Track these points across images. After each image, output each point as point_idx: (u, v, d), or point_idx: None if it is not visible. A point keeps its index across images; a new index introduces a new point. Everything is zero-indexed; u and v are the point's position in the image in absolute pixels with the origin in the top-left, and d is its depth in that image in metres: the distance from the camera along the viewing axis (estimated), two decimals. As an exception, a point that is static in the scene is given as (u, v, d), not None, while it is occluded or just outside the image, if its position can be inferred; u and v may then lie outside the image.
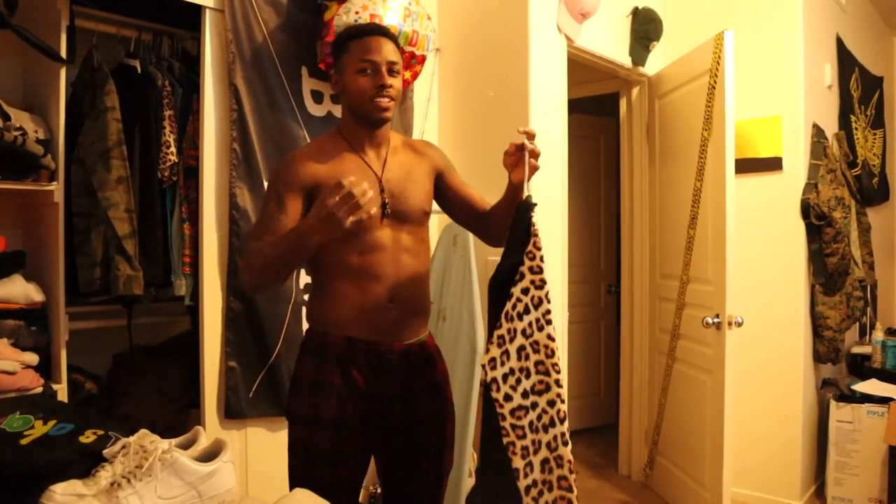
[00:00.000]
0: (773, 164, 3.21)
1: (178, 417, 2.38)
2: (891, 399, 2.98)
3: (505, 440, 1.38)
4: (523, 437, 1.40)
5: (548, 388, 1.42)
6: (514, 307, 1.42)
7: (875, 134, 4.12)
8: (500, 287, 1.48)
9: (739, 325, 2.69)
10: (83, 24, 2.14)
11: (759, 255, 3.22)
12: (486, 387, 1.42)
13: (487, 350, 1.40)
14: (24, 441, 1.13)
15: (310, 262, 1.64)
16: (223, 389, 2.20)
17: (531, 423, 1.42)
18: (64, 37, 2.01)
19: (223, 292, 2.21)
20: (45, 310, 2.08)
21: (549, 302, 1.44)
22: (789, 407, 3.17)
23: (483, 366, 1.40)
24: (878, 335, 3.53)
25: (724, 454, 2.67)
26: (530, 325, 1.42)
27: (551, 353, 1.42)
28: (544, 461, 1.43)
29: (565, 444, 1.41)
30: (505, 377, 1.39)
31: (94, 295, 2.16)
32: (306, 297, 2.36)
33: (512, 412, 1.39)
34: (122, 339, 2.45)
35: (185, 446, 1.18)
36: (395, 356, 1.62)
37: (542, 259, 1.45)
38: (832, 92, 3.55)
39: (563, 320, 2.81)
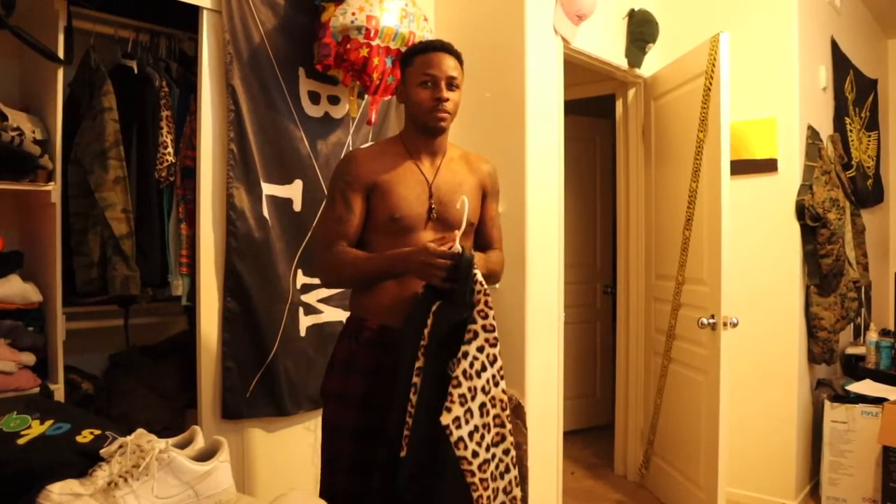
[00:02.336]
0: (768, 166, 3.23)
1: (175, 417, 2.39)
2: (885, 400, 2.99)
3: (475, 494, 1.45)
4: (487, 487, 1.49)
5: (503, 439, 1.52)
6: (471, 366, 1.47)
7: (869, 136, 4.14)
8: (440, 340, 1.51)
9: (734, 325, 2.71)
10: (80, 24, 2.14)
11: (754, 256, 3.24)
12: (449, 445, 1.45)
13: (449, 410, 1.43)
14: (21, 441, 1.13)
15: None
16: (220, 389, 2.20)
17: (492, 473, 1.51)
18: (61, 37, 2.01)
19: (220, 292, 2.21)
20: (42, 310, 2.08)
21: (500, 359, 1.52)
22: (784, 407, 3.18)
23: (447, 425, 1.43)
24: (872, 336, 3.55)
25: (719, 454, 2.68)
26: (488, 381, 1.49)
27: (505, 406, 1.53)
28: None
29: (517, 485, 1.55)
30: (471, 434, 1.45)
31: (91, 295, 2.17)
32: (303, 297, 2.37)
33: (479, 467, 1.46)
34: (119, 340, 2.46)
35: (182, 446, 1.19)
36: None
37: (493, 317, 1.50)
38: (827, 94, 3.56)
39: (559, 321, 2.82)
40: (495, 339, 1.50)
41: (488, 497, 1.50)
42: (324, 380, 1.82)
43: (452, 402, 1.45)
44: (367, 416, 1.68)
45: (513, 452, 1.55)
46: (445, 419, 1.44)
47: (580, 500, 3.34)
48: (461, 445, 1.44)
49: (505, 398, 1.53)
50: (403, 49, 2.28)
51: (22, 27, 1.91)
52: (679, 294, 3.10)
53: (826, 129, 3.51)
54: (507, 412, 1.53)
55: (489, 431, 1.51)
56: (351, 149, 2.46)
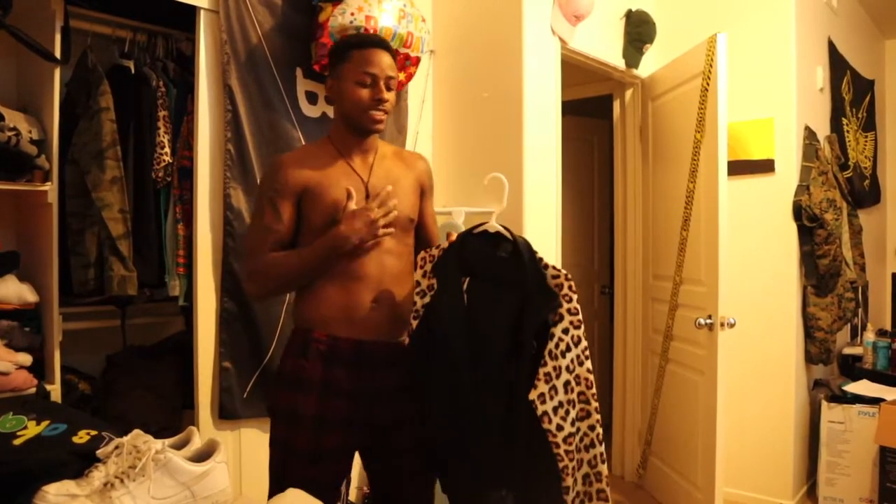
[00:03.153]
0: (766, 166, 3.23)
1: (171, 418, 2.38)
2: (882, 400, 3.00)
3: (561, 464, 1.53)
4: (573, 459, 1.56)
5: (588, 415, 1.59)
6: (556, 346, 1.55)
7: (866, 136, 4.15)
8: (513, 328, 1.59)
9: (732, 325, 2.71)
10: (78, 24, 2.14)
11: (751, 257, 3.24)
12: (533, 419, 1.54)
13: (535, 387, 1.53)
14: (17, 441, 1.13)
15: None
16: (217, 390, 2.20)
17: (577, 446, 1.59)
18: (58, 37, 2.01)
19: (217, 293, 2.21)
20: (38, 310, 2.08)
21: (585, 339, 1.58)
22: (781, 407, 3.19)
23: (532, 400, 1.53)
24: (870, 336, 3.56)
25: (717, 454, 2.68)
26: (572, 361, 1.56)
27: (591, 385, 1.59)
28: (585, 476, 1.60)
29: (603, 461, 1.60)
30: (555, 410, 1.54)
31: (88, 295, 2.16)
32: (300, 297, 2.36)
33: (565, 439, 1.54)
34: (116, 340, 2.45)
35: (179, 447, 1.19)
36: (377, 355, 1.64)
37: (577, 301, 1.58)
38: (824, 95, 3.57)
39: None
40: (579, 321, 1.56)
41: (573, 467, 1.56)
42: (270, 396, 1.71)
43: (538, 379, 1.54)
44: (321, 436, 1.59)
45: (598, 429, 1.59)
46: (532, 395, 1.53)
47: (578, 501, 3.34)
48: (545, 420, 1.52)
49: (591, 377, 1.58)
50: (402, 51, 2.28)
51: (19, 27, 1.91)
52: (676, 294, 3.11)
53: (823, 130, 3.52)
54: (593, 390, 1.58)
55: (574, 407, 1.56)
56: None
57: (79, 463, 1.10)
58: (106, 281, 2.10)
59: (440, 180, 2.95)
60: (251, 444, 2.29)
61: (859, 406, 3.08)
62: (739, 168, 3.24)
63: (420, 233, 1.83)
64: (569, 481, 1.55)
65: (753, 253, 3.24)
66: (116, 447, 1.11)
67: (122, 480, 1.06)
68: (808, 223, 3.15)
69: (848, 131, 3.81)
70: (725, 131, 2.73)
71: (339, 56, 1.66)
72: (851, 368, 3.62)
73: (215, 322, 2.20)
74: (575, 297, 1.58)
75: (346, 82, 1.63)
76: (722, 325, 2.69)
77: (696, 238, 2.95)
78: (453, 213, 2.61)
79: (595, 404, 1.58)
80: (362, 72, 1.61)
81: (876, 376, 3.37)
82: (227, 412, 2.21)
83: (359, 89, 1.61)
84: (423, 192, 1.81)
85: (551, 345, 1.55)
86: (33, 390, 1.94)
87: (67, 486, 1.05)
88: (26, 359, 1.97)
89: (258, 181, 2.25)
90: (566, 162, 3.00)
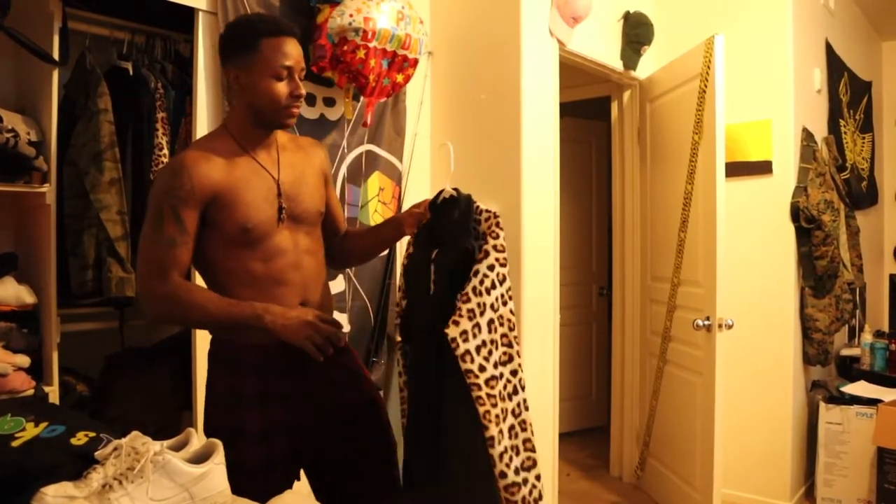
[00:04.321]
0: (763, 168, 3.24)
1: (170, 419, 2.38)
2: (879, 401, 3.00)
3: (481, 409, 1.46)
4: (495, 405, 1.49)
5: (511, 359, 1.52)
6: (481, 282, 1.50)
7: (864, 138, 4.16)
8: (450, 271, 1.57)
9: (730, 327, 2.71)
10: (76, 26, 2.14)
11: (749, 258, 3.25)
12: (454, 360, 1.48)
13: (457, 323, 1.46)
14: (15, 443, 1.13)
15: (203, 272, 1.57)
16: (215, 391, 2.20)
17: (499, 392, 1.51)
18: (56, 39, 2.01)
19: (215, 294, 2.20)
20: (36, 312, 2.07)
21: (508, 280, 1.54)
22: (779, 408, 3.19)
23: (454, 338, 1.45)
24: (867, 337, 3.56)
25: (715, 455, 2.69)
26: (497, 299, 1.51)
27: (513, 327, 1.53)
28: (511, 427, 1.52)
29: (526, 409, 1.53)
30: (478, 349, 1.47)
31: (87, 297, 2.16)
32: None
33: (486, 382, 1.48)
34: (115, 341, 2.45)
35: (177, 448, 1.19)
36: (309, 356, 1.51)
37: (504, 238, 1.54)
38: (821, 96, 3.58)
39: (554, 323, 2.82)
40: (505, 259, 1.52)
41: (496, 415, 1.48)
42: (206, 417, 1.57)
43: (461, 315, 1.47)
44: (268, 448, 1.51)
45: (521, 374, 1.53)
46: (452, 332, 1.46)
47: (576, 502, 3.34)
48: (467, 358, 1.46)
49: (513, 318, 1.53)
50: (399, 52, 2.28)
51: (17, 28, 1.91)
52: (674, 296, 3.11)
53: (821, 132, 3.53)
54: (515, 333, 1.53)
55: (497, 348, 1.51)
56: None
57: (77, 464, 1.10)
58: (104, 282, 2.10)
59: (438, 181, 2.95)
60: (249, 446, 2.28)
61: (857, 407, 3.08)
62: (737, 169, 3.25)
63: (329, 222, 1.76)
64: (492, 430, 1.47)
65: (751, 254, 3.25)
66: (115, 449, 1.11)
67: (120, 482, 1.06)
68: (805, 224, 3.15)
69: (845, 133, 3.82)
70: (723, 133, 2.74)
71: (245, 45, 1.48)
72: (849, 369, 3.62)
73: (213, 323, 2.20)
74: (502, 233, 1.53)
75: (258, 75, 1.47)
76: (720, 326, 2.69)
77: (694, 239, 2.95)
78: (451, 214, 2.61)
79: (517, 348, 1.52)
80: (278, 64, 1.46)
81: (873, 377, 3.38)
82: (225, 414, 2.20)
83: (275, 83, 1.47)
84: (326, 181, 1.72)
85: (475, 281, 1.49)
86: (31, 392, 1.93)
87: (66, 487, 1.04)
88: (24, 360, 1.96)
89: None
90: (564, 163, 3.01)
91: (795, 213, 3.17)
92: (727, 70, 2.77)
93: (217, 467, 1.16)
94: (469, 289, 1.49)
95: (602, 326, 4.51)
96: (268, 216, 1.52)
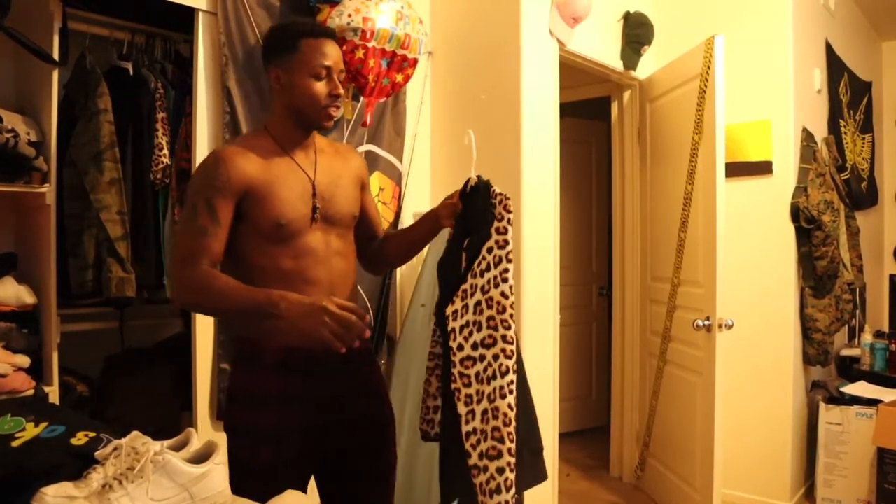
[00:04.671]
0: (763, 168, 3.24)
1: (170, 419, 2.38)
2: (879, 401, 3.00)
3: (452, 386, 1.47)
4: (468, 385, 1.49)
5: (494, 343, 1.49)
6: (478, 265, 1.51)
7: (864, 138, 4.16)
8: (466, 261, 1.57)
9: (730, 327, 2.71)
10: (76, 26, 2.14)
11: (749, 258, 3.25)
12: (445, 336, 1.50)
13: (453, 302, 1.48)
14: (15, 443, 1.13)
15: (234, 267, 1.56)
16: (215, 391, 2.20)
17: (477, 373, 1.50)
18: (56, 39, 2.01)
19: (215, 294, 2.20)
20: (36, 312, 2.08)
21: (509, 262, 1.51)
22: (779, 409, 3.19)
23: (447, 316, 1.47)
24: (867, 338, 3.56)
25: (715, 456, 2.69)
26: (489, 282, 1.50)
27: (503, 310, 1.49)
28: (484, 412, 1.49)
29: (503, 397, 1.47)
30: (461, 328, 1.48)
31: (87, 297, 2.16)
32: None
33: (461, 361, 1.48)
34: (114, 342, 2.45)
35: (177, 448, 1.19)
36: (332, 359, 1.53)
37: (509, 221, 1.53)
38: (821, 96, 3.58)
39: (554, 323, 2.82)
40: (505, 241, 1.50)
41: (468, 395, 1.47)
42: (225, 413, 1.61)
43: (457, 295, 1.49)
44: (281, 448, 1.53)
45: (504, 361, 1.48)
46: (448, 310, 1.48)
47: (575, 502, 3.34)
48: (451, 336, 1.47)
49: (505, 302, 1.49)
50: (399, 52, 2.29)
51: (17, 28, 1.91)
52: (674, 296, 3.11)
53: (821, 132, 3.53)
54: (504, 316, 1.48)
55: (480, 330, 1.49)
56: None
57: (77, 464, 1.10)
58: (104, 282, 2.10)
59: (438, 182, 2.95)
60: (249, 446, 2.29)
61: (857, 407, 3.08)
62: (737, 170, 3.25)
63: (366, 226, 1.78)
64: (461, 408, 1.47)
65: (751, 254, 3.25)
66: (115, 449, 1.11)
67: (120, 482, 1.06)
68: (805, 225, 3.15)
69: (845, 133, 3.82)
70: (723, 133, 2.74)
71: (285, 45, 1.52)
72: (849, 370, 3.62)
73: (213, 324, 2.20)
74: (508, 216, 1.53)
75: (299, 75, 1.51)
76: (720, 326, 2.69)
77: (694, 240, 2.95)
78: (451, 214, 2.61)
79: (503, 332, 1.48)
80: (317, 64, 1.51)
81: (873, 378, 3.38)
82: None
83: (314, 83, 1.51)
84: (363, 186, 1.75)
85: (475, 263, 1.51)
86: (31, 392, 1.93)
87: (66, 487, 1.05)
88: (24, 360, 1.96)
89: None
90: (564, 163, 3.01)
91: (795, 214, 3.17)
92: (727, 70, 2.77)
93: (217, 467, 1.16)
94: (470, 269, 1.51)
95: (602, 326, 4.51)
96: (301, 214, 1.54)
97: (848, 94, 3.87)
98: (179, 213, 2.26)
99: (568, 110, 3.46)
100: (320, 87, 1.52)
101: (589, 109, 4.17)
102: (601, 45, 3.16)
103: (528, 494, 2.61)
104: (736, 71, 3.15)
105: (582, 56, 3.04)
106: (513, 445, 1.47)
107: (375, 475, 1.68)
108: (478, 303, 1.50)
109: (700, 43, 2.84)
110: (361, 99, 2.46)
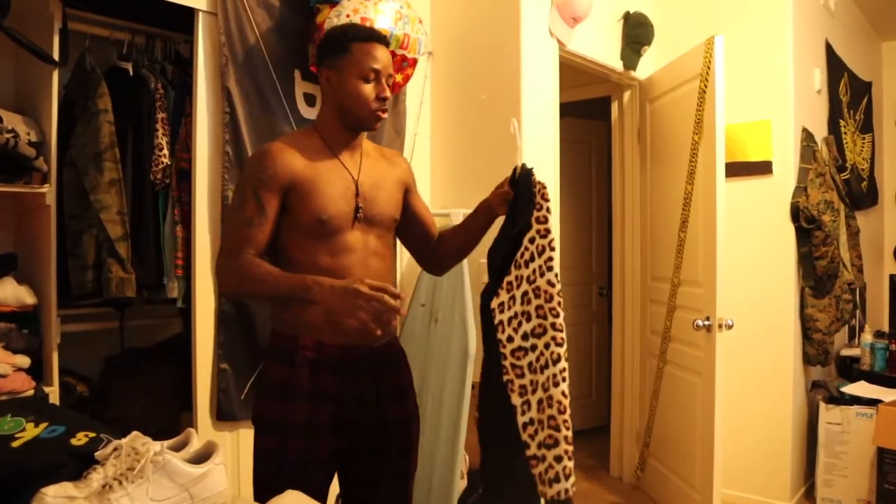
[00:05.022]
0: (763, 168, 3.24)
1: (170, 419, 2.38)
2: (879, 401, 3.00)
3: (505, 378, 1.47)
4: (521, 376, 1.50)
5: (545, 331, 1.49)
6: (521, 255, 1.52)
7: (864, 138, 4.16)
8: (510, 250, 1.58)
9: (730, 327, 2.71)
10: (76, 26, 2.14)
11: (749, 258, 3.25)
12: (491, 331, 1.50)
13: (498, 294, 1.49)
14: (15, 443, 1.13)
15: (276, 259, 1.60)
16: (215, 391, 2.20)
17: (530, 363, 1.51)
18: (56, 39, 2.01)
19: (215, 295, 2.21)
20: (36, 312, 2.08)
21: (552, 250, 1.52)
22: (779, 409, 3.19)
23: (493, 309, 1.48)
24: (867, 338, 3.56)
25: (715, 456, 2.69)
26: (534, 271, 1.51)
27: (550, 298, 1.50)
28: (540, 401, 1.50)
29: (556, 385, 1.48)
30: (510, 320, 1.49)
31: (87, 297, 2.16)
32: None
33: (512, 352, 1.49)
34: (114, 342, 2.45)
35: (177, 448, 1.19)
36: (365, 358, 1.61)
37: (548, 210, 1.54)
38: (821, 96, 3.58)
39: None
40: (546, 230, 1.51)
41: (522, 386, 1.49)
42: (255, 406, 1.64)
43: (501, 287, 1.50)
44: (311, 443, 1.55)
45: (555, 349, 1.49)
46: (494, 303, 1.49)
47: (575, 502, 3.33)
48: (500, 328, 1.48)
49: (552, 290, 1.50)
50: (398, 52, 2.29)
51: (17, 29, 1.91)
52: (674, 296, 3.11)
53: (821, 132, 3.53)
54: (552, 304, 1.50)
55: (529, 320, 1.50)
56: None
57: (77, 465, 1.10)
58: (104, 283, 2.10)
59: (438, 182, 2.95)
60: (249, 446, 2.27)
61: (857, 407, 3.08)
62: (737, 170, 3.25)
63: (420, 228, 1.81)
64: (515, 399, 1.48)
65: (751, 254, 3.25)
66: (115, 449, 1.11)
67: (120, 482, 1.06)
68: (805, 225, 3.15)
69: (845, 133, 3.82)
70: (723, 133, 2.74)
71: (338, 47, 1.58)
72: (849, 370, 3.62)
73: (213, 324, 2.20)
74: (546, 204, 1.54)
75: (348, 76, 1.56)
76: (720, 326, 2.69)
77: (694, 240, 2.95)
78: (451, 214, 2.62)
79: (553, 320, 1.50)
80: (367, 67, 1.56)
81: (873, 377, 3.38)
82: (225, 413, 2.21)
83: (363, 84, 1.56)
84: (409, 189, 1.78)
85: (517, 253, 1.52)
86: (31, 392, 1.94)
87: (66, 488, 1.05)
88: (24, 361, 1.97)
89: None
90: (564, 163, 3.01)
91: (795, 214, 3.17)
92: (727, 70, 2.77)
93: (217, 467, 1.16)
94: (512, 261, 1.51)
95: (602, 326, 4.51)
96: (343, 212, 1.58)
97: (848, 94, 3.87)
98: (179, 213, 2.26)
99: (568, 110, 3.46)
100: (368, 89, 1.56)
101: (589, 109, 4.17)
102: (601, 46, 3.17)
103: (528, 494, 2.62)
104: (736, 71, 3.15)
105: (582, 56, 3.04)
106: (569, 433, 1.49)
107: (400, 475, 1.70)
108: (525, 293, 1.50)
109: (700, 43, 2.84)
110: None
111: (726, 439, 2.76)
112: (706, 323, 2.74)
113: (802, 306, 3.25)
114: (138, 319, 2.54)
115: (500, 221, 1.72)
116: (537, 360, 1.50)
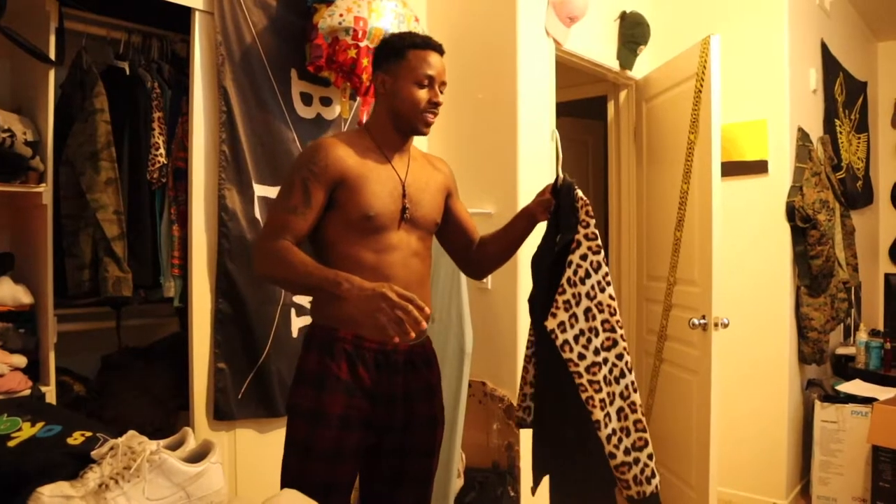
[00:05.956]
0: (759, 168, 3.25)
1: (166, 419, 2.38)
2: (874, 399, 3.02)
3: (584, 395, 1.51)
4: (599, 391, 1.53)
5: (615, 344, 1.55)
6: (574, 273, 1.55)
7: (859, 138, 4.17)
8: (554, 262, 1.61)
9: (725, 326, 2.72)
10: (72, 25, 2.14)
11: (744, 257, 3.26)
12: (553, 351, 1.52)
13: (554, 315, 1.52)
14: (11, 443, 1.13)
15: (319, 253, 1.64)
16: (212, 391, 2.20)
17: (605, 377, 1.55)
18: (53, 38, 2.01)
19: (212, 294, 2.21)
20: (33, 312, 2.07)
21: (606, 265, 1.57)
22: (775, 407, 3.20)
23: (552, 329, 1.51)
24: (862, 336, 3.58)
25: (711, 454, 2.69)
26: (593, 287, 1.55)
27: (614, 312, 1.55)
28: (619, 410, 1.56)
29: (635, 390, 1.56)
30: (576, 338, 1.53)
31: (83, 297, 2.16)
32: (295, 298, 2.37)
33: (587, 369, 1.52)
34: (111, 341, 2.45)
35: (174, 447, 1.19)
36: (399, 356, 1.64)
37: (595, 226, 1.57)
38: (817, 96, 3.59)
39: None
40: (598, 246, 1.55)
41: (601, 400, 1.52)
42: (291, 394, 1.66)
43: (557, 307, 1.53)
44: (342, 435, 1.57)
45: (627, 358, 1.56)
46: (551, 324, 1.51)
47: (572, 501, 3.34)
48: (566, 348, 1.51)
49: (613, 304, 1.55)
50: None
51: (13, 28, 1.90)
52: (670, 295, 3.12)
53: (816, 131, 3.54)
54: (617, 317, 1.55)
55: (597, 336, 1.54)
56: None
57: (74, 464, 1.10)
58: (101, 282, 2.10)
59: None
60: (246, 445, 2.29)
61: (852, 406, 3.10)
62: (733, 169, 3.26)
63: (462, 233, 1.85)
64: (597, 414, 1.52)
65: (747, 254, 3.26)
66: (111, 448, 1.11)
67: (116, 481, 1.06)
68: (801, 224, 3.16)
69: (841, 133, 3.83)
70: (719, 132, 2.74)
71: (394, 53, 1.64)
72: (844, 368, 3.64)
73: (210, 323, 2.21)
74: (592, 221, 1.58)
75: (403, 81, 1.63)
76: (716, 325, 2.70)
77: (689, 239, 2.96)
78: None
79: (620, 332, 1.56)
80: (422, 73, 1.62)
81: (868, 376, 3.39)
82: (221, 413, 2.21)
83: (417, 90, 1.63)
84: (451, 194, 1.83)
85: (569, 272, 1.55)
86: (28, 392, 1.94)
87: (62, 487, 1.05)
88: (21, 360, 1.96)
89: (253, 182, 2.25)
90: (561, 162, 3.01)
91: (791, 213, 3.18)
92: (723, 70, 2.78)
93: (213, 466, 1.16)
94: (564, 280, 1.54)
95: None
96: (390, 211, 1.62)
97: (843, 93, 3.89)
98: (175, 213, 2.26)
99: (564, 109, 3.46)
100: (422, 94, 1.63)
101: (585, 109, 4.17)
102: (597, 45, 3.17)
103: (528, 494, 2.63)
104: (732, 71, 3.16)
105: (578, 55, 3.05)
106: (648, 435, 1.57)
107: (423, 475, 1.73)
108: (587, 309, 1.54)
109: (696, 43, 2.84)
110: (357, 98, 2.47)
111: (722, 437, 2.77)
112: (702, 322, 2.74)
113: (798, 305, 3.26)
114: (135, 319, 2.54)
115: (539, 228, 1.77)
116: (610, 371, 1.55)
